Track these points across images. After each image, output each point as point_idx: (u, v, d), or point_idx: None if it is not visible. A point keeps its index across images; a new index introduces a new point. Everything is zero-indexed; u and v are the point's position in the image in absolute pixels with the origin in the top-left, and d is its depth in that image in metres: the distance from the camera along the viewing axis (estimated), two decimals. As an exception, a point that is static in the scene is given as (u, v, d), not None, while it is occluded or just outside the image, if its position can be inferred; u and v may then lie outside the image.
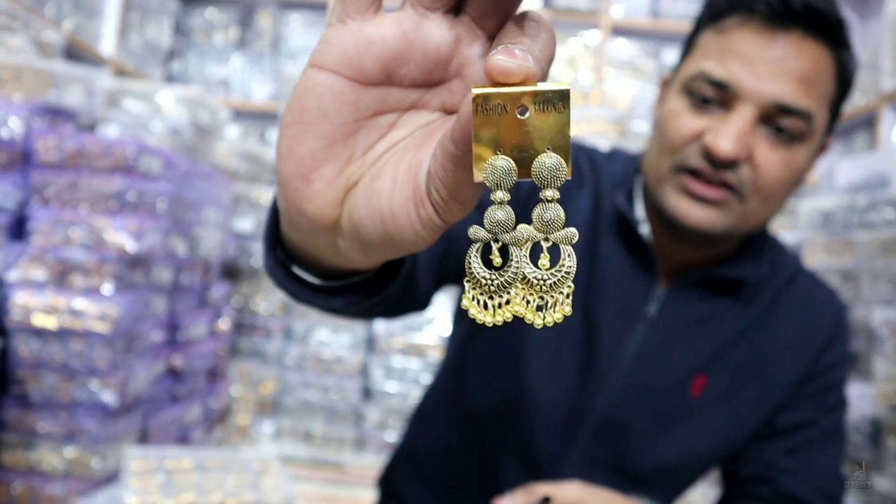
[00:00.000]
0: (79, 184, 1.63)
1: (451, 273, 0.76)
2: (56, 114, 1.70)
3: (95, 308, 1.55)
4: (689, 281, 0.85)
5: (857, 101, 2.45)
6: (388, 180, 0.34)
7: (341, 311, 0.50)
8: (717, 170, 0.74)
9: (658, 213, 0.81)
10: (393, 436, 2.62)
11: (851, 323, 1.84)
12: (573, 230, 0.30)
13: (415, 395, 2.62)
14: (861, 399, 1.77)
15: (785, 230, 2.45)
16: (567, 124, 0.29)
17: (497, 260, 0.31)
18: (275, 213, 0.45)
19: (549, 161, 0.29)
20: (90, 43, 2.57)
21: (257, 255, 2.64)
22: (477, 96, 0.28)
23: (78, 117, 1.78)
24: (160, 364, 1.87)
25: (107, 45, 2.69)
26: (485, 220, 0.30)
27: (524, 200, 0.76)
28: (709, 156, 0.73)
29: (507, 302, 0.31)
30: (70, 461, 1.56)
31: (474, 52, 0.33)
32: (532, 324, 0.31)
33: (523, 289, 0.31)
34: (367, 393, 2.69)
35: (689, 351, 0.86)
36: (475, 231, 0.30)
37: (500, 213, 0.30)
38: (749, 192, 0.75)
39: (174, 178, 1.81)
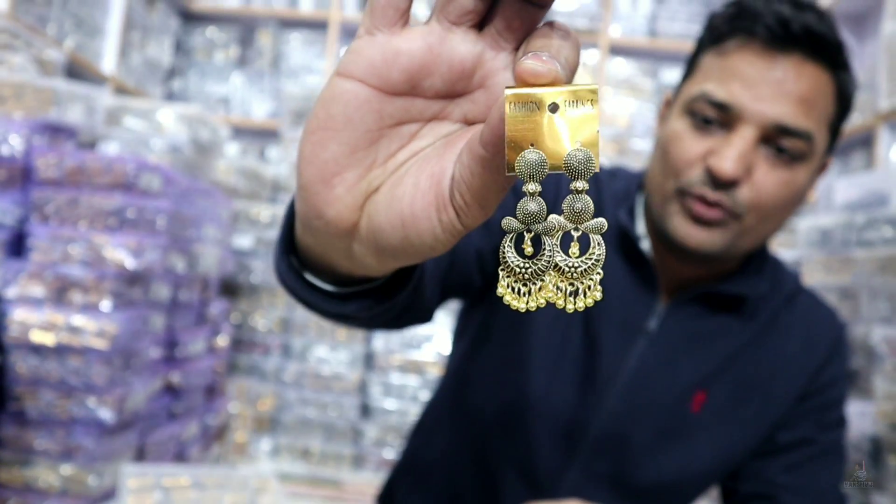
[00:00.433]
0: (79, 201, 1.63)
1: (456, 286, 0.77)
2: (57, 131, 1.71)
3: (94, 325, 1.55)
4: (689, 297, 0.85)
5: (854, 121, 2.46)
6: (410, 186, 0.34)
7: (351, 318, 0.50)
8: (716, 189, 0.75)
9: (659, 233, 0.82)
10: (391, 453, 2.61)
11: (851, 341, 1.84)
12: (602, 220, 0.31)
13: (413, 413, 2.60)
14: (861, 417, 1.76)
15: (783, 248, 2.45)
16: (596, 120, 0.30)
17: (529, 249, 0.32)
18: (289, 220, 0.45)
19: (579, 154, 0.30)
20: (91, 61, 2.58)
21: (256, 271, 2.64)
22: (510, 95, 0.30)
23: (79, 135, 1.79)
24: (158, 381, 1.86)
25: (108, 63, 2.71)
26: (517, 212, 0.31)
27: (552, 198, 0.76)
28: (712, 177, 0.75)
29: (540, 289, 0.32)
30: (67, 479, 1.55)
31: (498, 64, 0.34)
32: (563, 309, 0.32)
33: (555, 276, 0.32)
34: (366, 410, 2.68)
35: (689, 367, 0.86)
36: (508, 222, 0.31)
37: (532, 205, 0.31)
38: (746, 210, 0.76)
39: (174, 195, 1.81)
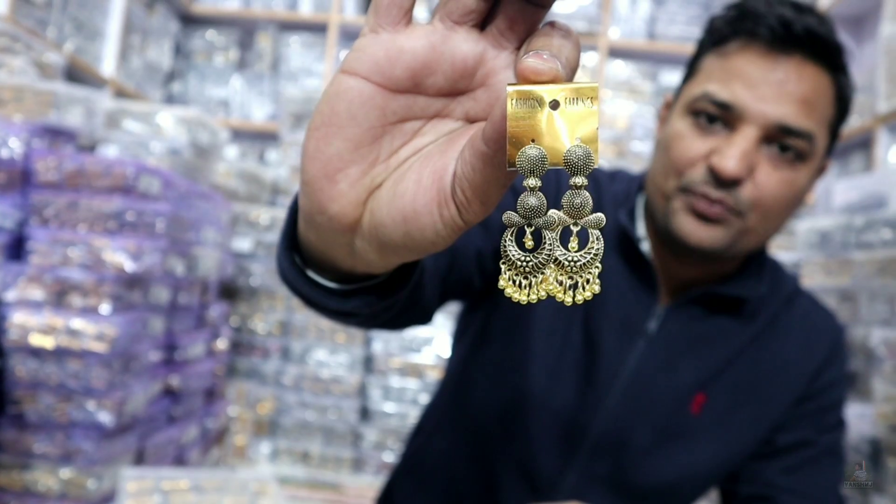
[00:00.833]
0: (78, 204, 1.63)
1: (456, 286, 0.77)
2: (56, 134, 1.71)
3: (93, 328, 1.55)
4: (689, 298, 0.86)
5: (853, 123, 2.46)
6: (412, 182, 0.35)
7: (351, 315, 0.50)
8: (718, 188, 0.75)
9: (660, 232, 0.83)
10: (391, 456, 2.60)
11: (850, 343, 1.84)
12: (601, 215, 0.32)
13: (413, 416, 2.60)
14: (860, 419, 1.76)
15: (782, 250, 2.45)
16: (595, 117, 0.31)
17: (529, 243, 0.32)
18: (292, 217, 0.46)
19: (579, 150, 0.30)
20: (91, 64, 2.59)
21: (256, 274, 2.64)
22: (512, 92, 0.30)
23: (78, 138, 1.79)
24: (157, 384, 1.86)
25: (107, 66, 2.71)
26: (518, 206, 0.32)
27: (552, 194, 0.77)
28: (714, 176, 0.75)
29: (541, 282, 0.33)
30: (66, 482, 1.55)
31: (500, 63, 0.35)
32: (563, 302, 0.33)
33: (555, 270, 0.33)
34: (365, 413, 2.68)
35: (688, 368, 0.86)
36: (510, 216, 0.32)
37: (532, 199, 0.31)
38: (747, 209, 0.77)
39: (173, 198, 1.81)
